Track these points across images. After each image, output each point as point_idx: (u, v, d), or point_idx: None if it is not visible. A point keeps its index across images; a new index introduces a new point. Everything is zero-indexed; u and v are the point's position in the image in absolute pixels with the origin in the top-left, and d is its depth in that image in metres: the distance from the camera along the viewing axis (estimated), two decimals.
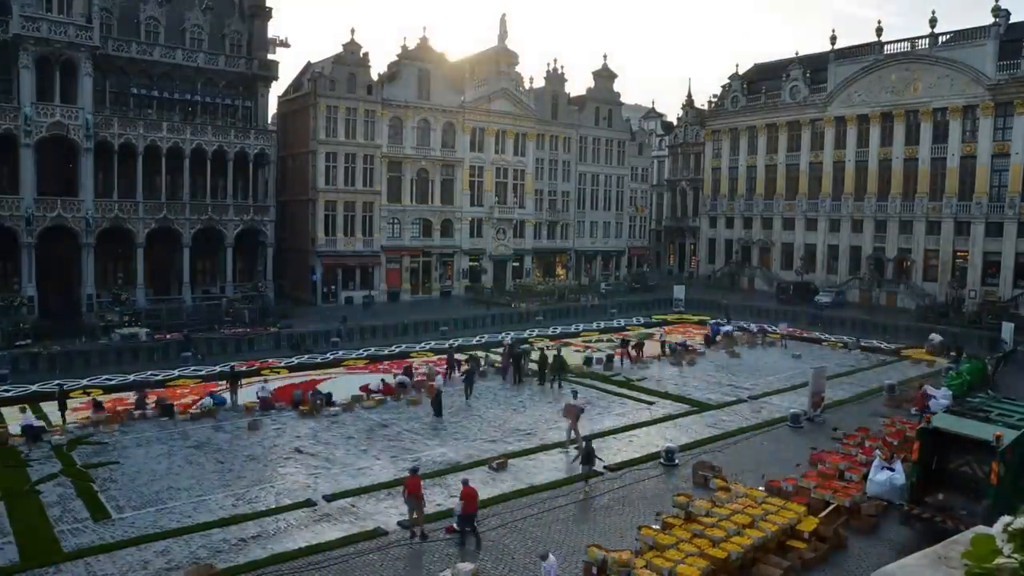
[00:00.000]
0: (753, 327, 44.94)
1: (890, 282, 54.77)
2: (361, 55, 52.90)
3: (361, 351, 38.09)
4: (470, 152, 58.55)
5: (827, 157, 59.75)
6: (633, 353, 36.86)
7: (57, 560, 15.21)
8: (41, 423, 24.24)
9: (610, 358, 35.76)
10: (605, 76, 67.70)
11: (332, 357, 36.52)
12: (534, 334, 44.48)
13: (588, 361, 35.22)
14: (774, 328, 44.21)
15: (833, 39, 59.45)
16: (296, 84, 59.03)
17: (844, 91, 58.29)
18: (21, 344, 34.90)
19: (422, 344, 40.41)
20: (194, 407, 26.50)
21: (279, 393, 28.61)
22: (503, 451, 22.39)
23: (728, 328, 43.46)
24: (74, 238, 41.49)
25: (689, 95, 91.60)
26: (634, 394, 30.13)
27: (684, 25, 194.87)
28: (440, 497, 18.78)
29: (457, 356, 34.26)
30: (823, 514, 16.99)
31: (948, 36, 53.17)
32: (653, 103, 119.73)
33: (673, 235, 77.17)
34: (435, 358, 36.75)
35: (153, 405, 26.43)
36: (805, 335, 44.67)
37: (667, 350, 38.42)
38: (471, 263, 59.36)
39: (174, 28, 46.91)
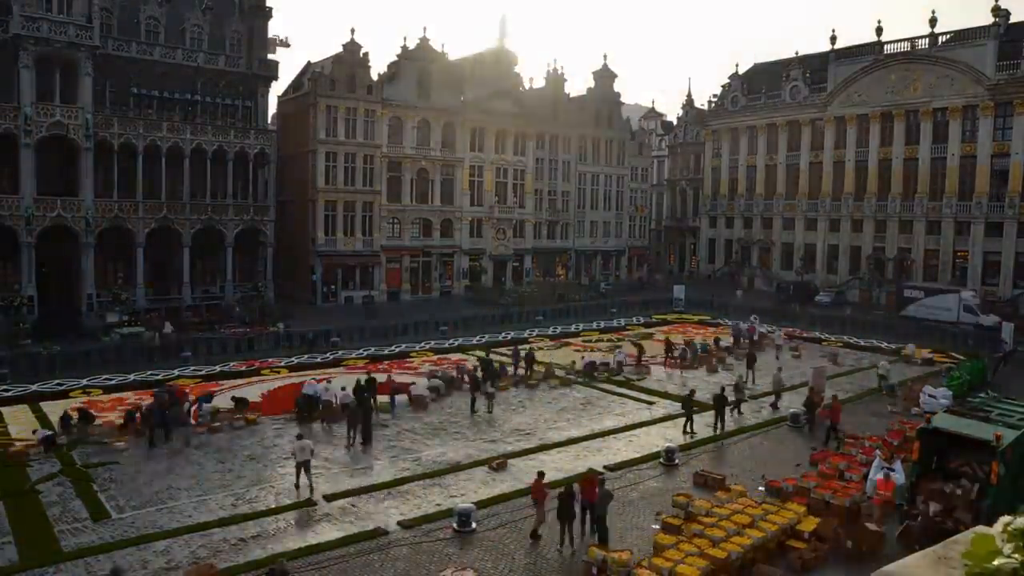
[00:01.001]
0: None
1: (890, 282, 54.75)
2: (361, 55, 52.91)
3: (361, 351, 38.09)
4: (470, 152, 58.56)
5: (827, 157, 59.77)
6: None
7: (57, 560, 15.21)
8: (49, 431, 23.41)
9: (620, 364, 34.11)
10: (605, 76, 67.72)
11: (332, 357, 36.52)
12: (534, 334, 44.47)
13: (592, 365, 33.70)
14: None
15: (833, 39, 59.49)
16: (296, 84, 59.06)
17: (844, 91, 58.30)
18: (21, 344, 34.90)
19: (422, 344, 40.41)
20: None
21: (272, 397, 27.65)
22: (503, 451, 22.40)
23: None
24: (74, 238, 41.49)
25: (689, 95, 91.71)
26: (634, 394, 30.12)
27: (684, 25, 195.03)
28: (440, 497, 18.79)
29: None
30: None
31: (948, 36, 53.19)
32: (653, 103, 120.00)
33: (673, 235, 77.21)
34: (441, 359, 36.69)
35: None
36: (805, 335, 44.66)
37: (680, 355, 36.29)
38: (471, 263, 59.39)
39: (174, 28, 46.93)
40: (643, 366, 34.70)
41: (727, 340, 40.79)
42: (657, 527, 17.08)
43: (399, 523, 17.15)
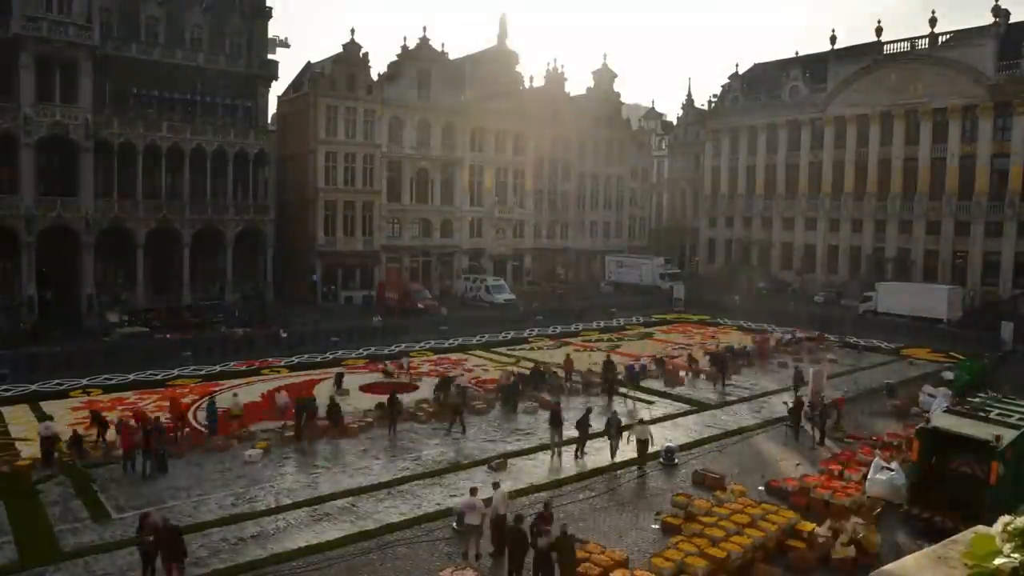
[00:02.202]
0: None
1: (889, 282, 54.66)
2: (361, 55, 52.93)
3: (361, 351, 38.10)
4: (470, 152, 58.57)
5: (827, 157, 59.75)
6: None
7: (57, 559, 15.21)
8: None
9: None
10: (605, 76, 67.70)
11: (332, 356, 36.51)
12: (534, 333, 44.46)
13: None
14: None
15: (833, 39, 59.50)
16: (296, 84, 59.06)
17: (844, 91, 58.26)
18: (21, 344, 34.90)
19: (422, 343, 40.41)
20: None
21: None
22: (503, 451, 22.40)
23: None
24: (74, 238, 41.49)
25: (689, 95, 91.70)
26: (634, 394, 30.10)
27: (684, 25, 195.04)
28: (440, 496, 18.79)
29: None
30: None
31: (948, 36, 53.17)
32: (653, 103, 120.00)
33: (673, 235, 77.19)
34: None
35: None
36: (805, 335, 44.64)
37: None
38: (471, 263, 59.39)
39: (174, 28, 46.93)
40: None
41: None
42: (657, 527, 17.10)
43: (399, 523, 17.15)
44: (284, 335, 39.51)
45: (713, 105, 70.41)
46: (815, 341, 41.32)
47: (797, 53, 63.92)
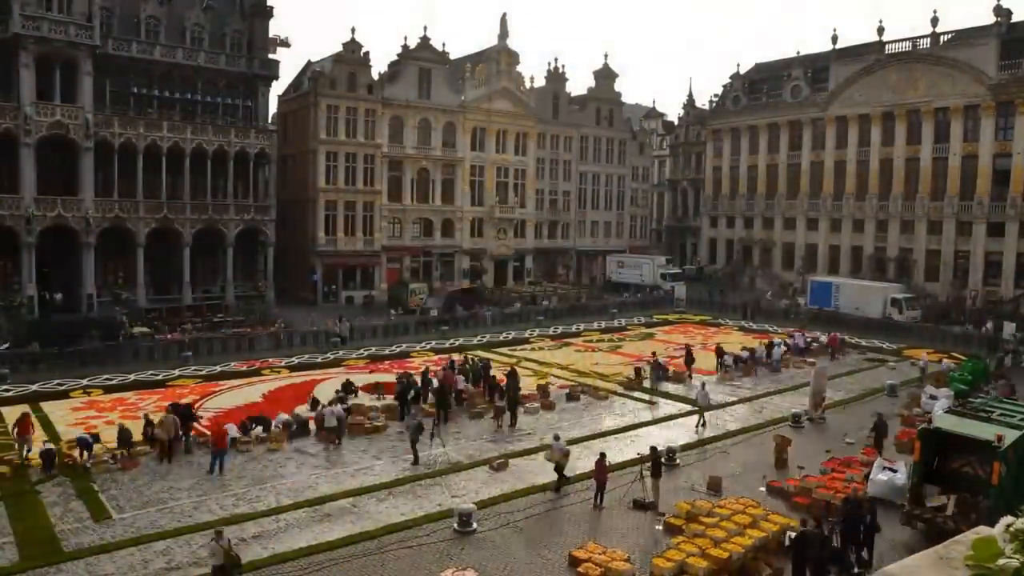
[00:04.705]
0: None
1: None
2: (361, 54, 52.95)
3: (361, 351, 38.07)
4: (471, 151, 58.57)
5: (828, 157, 59.69)
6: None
7: (57, 560, 15.19)
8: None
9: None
10: (606, 76, 67.70)
11: (332, 357, 36.49)
12: (535, 334, 44.42)
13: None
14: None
15: (834, 39, 59.41)
16: (296, 83, 59.06)
17: (845, 91, 58.20)
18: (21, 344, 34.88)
19: (422, 344, 40.39)
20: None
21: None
22: (503, 451, 22.38)
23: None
24: (74, 238, 41.48)
25: (690, 95, 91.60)
26: (635, 394, 30.09)
27: (684, 25, 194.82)
28: (441, 497, 18.77)
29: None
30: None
31: (949, 36, 53.09)
32: (654, 103, 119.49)
33: (674, 235, 77.14)
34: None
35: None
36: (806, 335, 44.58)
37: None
38: (472, 263, 59.36)
39: (175, 27, 46.92)
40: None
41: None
42: (659, 527, 17.08)
43: (400, 523, 17.13)
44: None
45: (714, 105, 70.34)
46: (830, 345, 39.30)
47: (798, 53, 63.80)
